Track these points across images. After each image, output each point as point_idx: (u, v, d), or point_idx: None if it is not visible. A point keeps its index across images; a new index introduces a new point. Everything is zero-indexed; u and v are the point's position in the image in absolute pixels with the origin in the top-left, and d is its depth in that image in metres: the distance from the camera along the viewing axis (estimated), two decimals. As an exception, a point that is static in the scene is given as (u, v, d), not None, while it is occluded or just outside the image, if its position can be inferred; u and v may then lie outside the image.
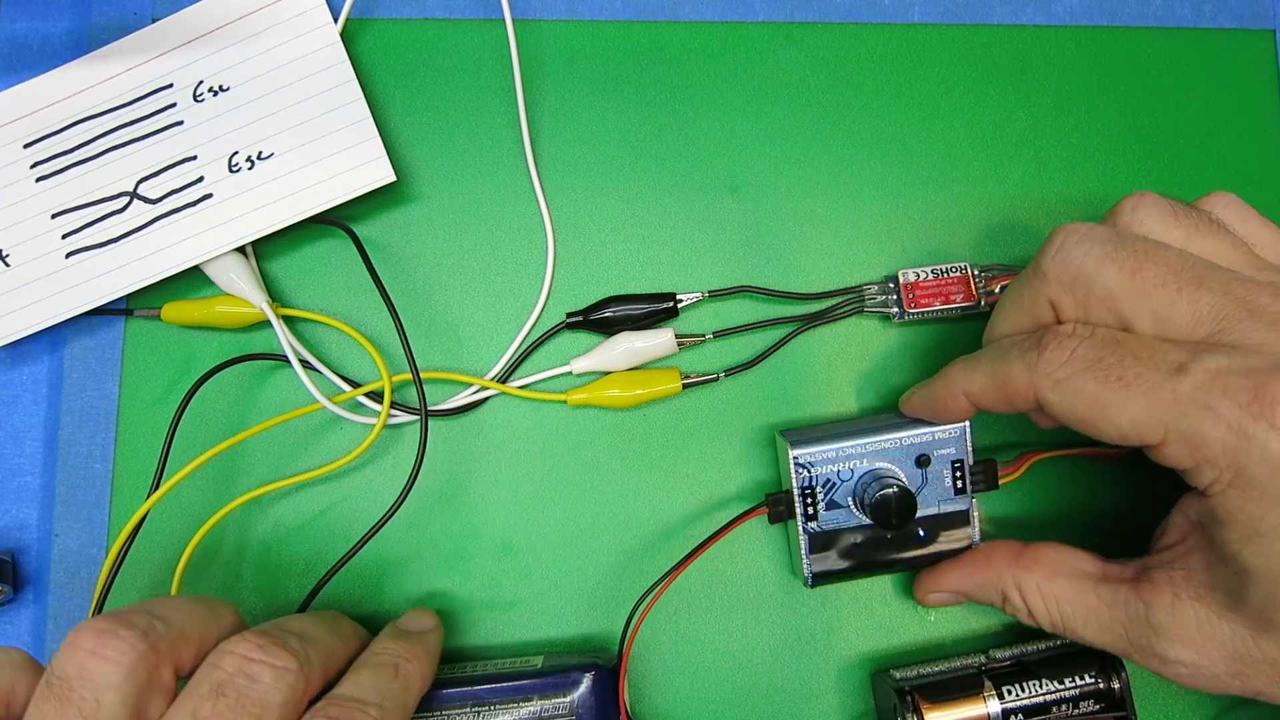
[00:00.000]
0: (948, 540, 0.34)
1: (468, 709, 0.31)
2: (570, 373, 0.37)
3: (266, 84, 0.36)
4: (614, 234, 0.38)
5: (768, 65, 0.39)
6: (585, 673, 0.31)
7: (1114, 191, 0.40)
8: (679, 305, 0.37)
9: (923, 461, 0.34)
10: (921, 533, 0.34)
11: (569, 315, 0.37)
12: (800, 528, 0.34)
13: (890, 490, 0.32)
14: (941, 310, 0.37)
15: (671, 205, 0.38)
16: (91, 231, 0.36)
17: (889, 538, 0.34)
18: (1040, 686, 0.33)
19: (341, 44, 0.37)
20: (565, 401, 0.37)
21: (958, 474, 0.34)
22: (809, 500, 0.34)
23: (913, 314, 0.37)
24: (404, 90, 0.38)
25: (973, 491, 0.34)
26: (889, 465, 0.34)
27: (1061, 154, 0.40)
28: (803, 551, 0.34)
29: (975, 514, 0.34)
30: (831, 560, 0.34)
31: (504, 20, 0.38)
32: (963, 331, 0.38)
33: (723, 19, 0.40)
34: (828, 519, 0.34)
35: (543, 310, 0.38)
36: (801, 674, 0.36)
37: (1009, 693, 0.33)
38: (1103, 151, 0.40)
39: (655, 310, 0.37)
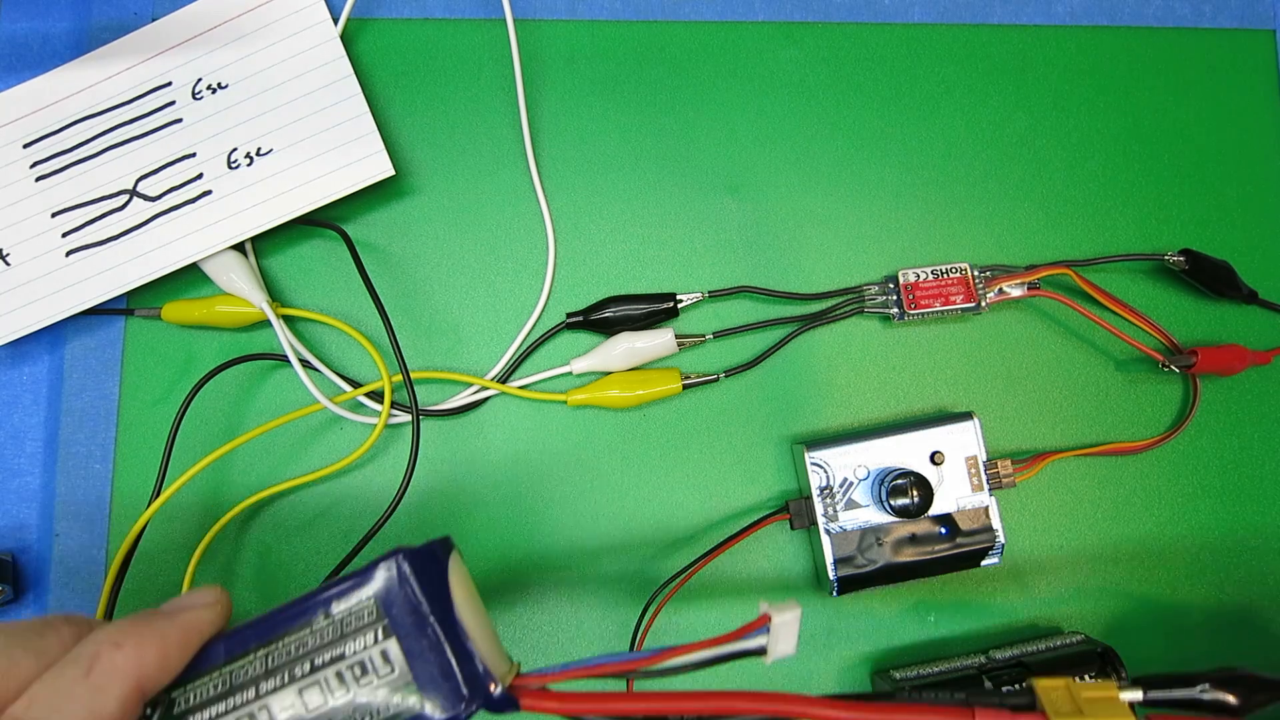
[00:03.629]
0: (970, 539, 0.34)
1: (251, 655, 0.23)
2: (570, 373, 0.37)
3: (265, 81, 0.36)
4: (614, 234, 0.38)
5: (768, 65, 0.39)
6: (382, 562, 0.23)
7: (1114, 191, 0.40)
8: (679, 305, 0.37)
9: (937, 458, 0.34)
10: (943, 530, 0.34)
11: (569, 315, 0.37)
12: (821, 529, 0.34)
13: (906, 475, 0.33)
14: (942, 311, 0.37)
15: (671, 205, 0.38)
16: (91, 230, 0.36)
17: (912, 537, 0.34)
18: (1040, 687, 0.33)
19: (339, 40, 0.37)
20: (566, 402, 0.37)
21: (972, 471, 0.34)
22: (828, 500, 0.34)
23: (913, 315, 0.37)
24: (404, 90, 0.38)
25: (990, 488, 0.34)
26: (904, 461, 0.34)
27: (1061, 154, 0.40)
28: (826, 555, 0.34)
29: (995, 510, 0.34)
30: (855, 565, 0.34)
31: (504, 20, 0.38)
32: (962, 332, 0.38)
33: (723, 19, 0.40)
34: (848, 519, 0.34)
35: (543, 310, 0.38)
36: (801, 674, 0.36)
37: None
38: (1103, 151, 0.40)
39: (655, 310, 0.37)
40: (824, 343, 0.38)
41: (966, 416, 0.35)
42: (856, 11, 0.40)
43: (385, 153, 0.36)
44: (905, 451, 0.34)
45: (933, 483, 0.34)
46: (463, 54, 0.39)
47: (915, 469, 0.34)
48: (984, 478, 0.34)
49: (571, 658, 0.36)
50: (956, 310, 0.37)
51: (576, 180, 0.38)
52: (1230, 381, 0.39)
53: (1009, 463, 0.35)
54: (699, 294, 0.37)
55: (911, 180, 0.39)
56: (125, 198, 0.36)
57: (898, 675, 0.34)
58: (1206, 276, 0.38)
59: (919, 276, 0.37)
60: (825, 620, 0.37)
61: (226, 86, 0.36)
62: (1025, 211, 0.39)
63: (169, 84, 0.36)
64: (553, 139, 0.39)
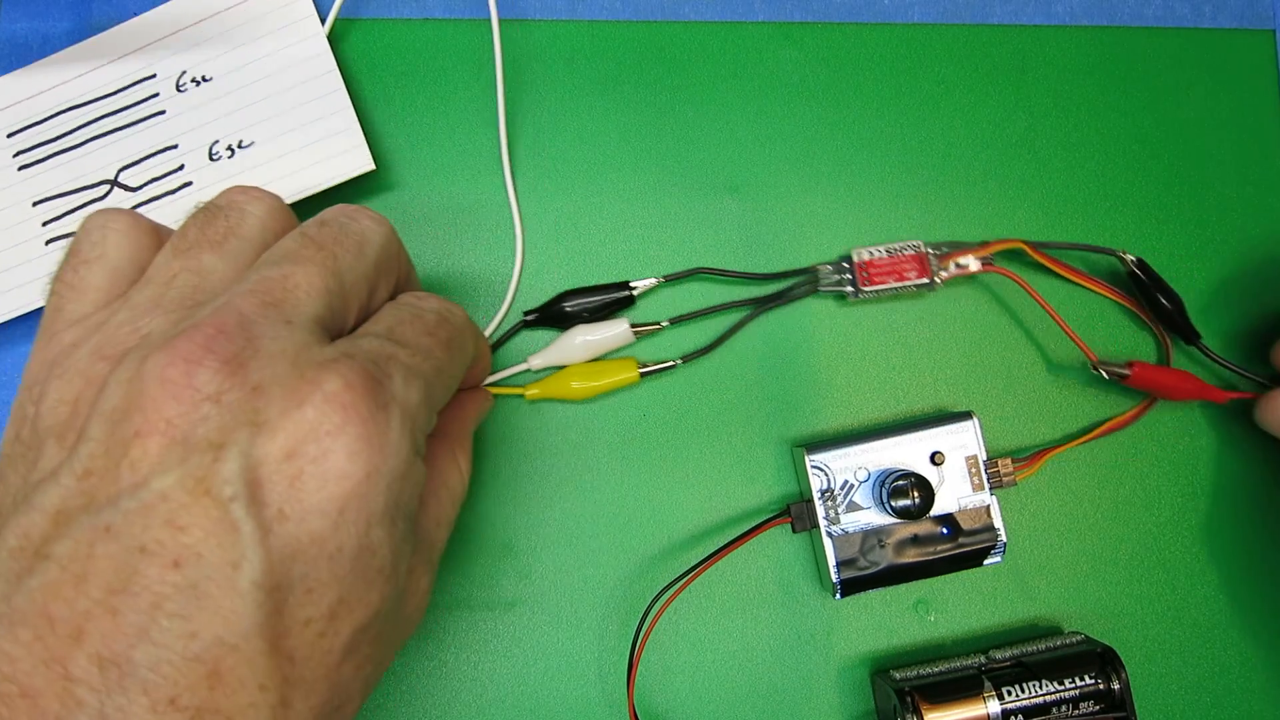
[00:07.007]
0: (972, 538, 0.34)
1: None
2: (529, 369, 0.37)
3: (249, 74, 0.36)
4: (614, 234, 0.38)
5: (768, 65, 0.39)
6: None
7: (1114, 191, 0.40)
8: (634, 293, 0.37)
9: (937, 459, 0.34)
10: (945, 530, 0.34)
11: (525, 314, 0.37)
12: (824, 531, 0.34)
13: (907, 477, 0.33)
14: (897, 287, 0.37)
15: (671, 205, 0.38)
16: (71, 219, 0.36)
17: (913, 537, 0.34)
18: (1040, 687, 0.33)
19: (323, 35, 0.37)
20: (524, 396, 0.36)
21: (973, 470, 0.34)
22: (829, 503, 0.34)
23: (867, 292, 0.37)
24: (392, 90, 0.38)
25: (990, 487, 0.34)
26: (904, 462, 0.34)
27: (1061, 154, 0.40)
28: (829, 557, 0.34)
29: (996, 509, 0.34)
30: (858, 567, 0.34)
31: (485, 20, 0.37)
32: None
33: (723, 19, 0.40)
34: (849, 521, 0.34)
35: (507, 312, 0.37)
36: (801, 674, 0.36)
37: (1009, 693, 0.33)
38: (1103, 151, 0.40)
39: (611, 300, 0.37)
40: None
41: (966, 416, 0.35)
42: (856, 11, 0.40)
43: (366, 147, 0.36)
44: (905, 452, 0.34)
45: (933, 483, 0.34)
46: (457, 54, 0.39)
47: (915, 470, 0.34)
48: (984, 477, 0.34)
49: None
50: (911, 286, 0.37)
51: (577, 180, 0.38)
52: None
53: (1009, 461, 0.35)
54: (653, 280, 0.37)
55: (911, 180, 0.39)
56: (106, 188, 0.36)
57: (898, 675, 0.34)
58: (1152, 292, 0.37)
59: (873, 255, 0.37)
60: (825, 620, 0.37)
61: (210, 79, 0.36)
62: (1025, 211, 0.39)
63: (153, 76, 0.37)
64: (553, 139, 0.38)
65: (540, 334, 0.38)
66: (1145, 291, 0.38)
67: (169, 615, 0.20)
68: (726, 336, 0.37)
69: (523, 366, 0.37)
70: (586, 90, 0.39)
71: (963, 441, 0.35)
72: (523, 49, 0.39)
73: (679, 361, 0.37)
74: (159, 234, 0.27)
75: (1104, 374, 0.36)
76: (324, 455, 0.21)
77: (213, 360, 0.21)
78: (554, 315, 0.37)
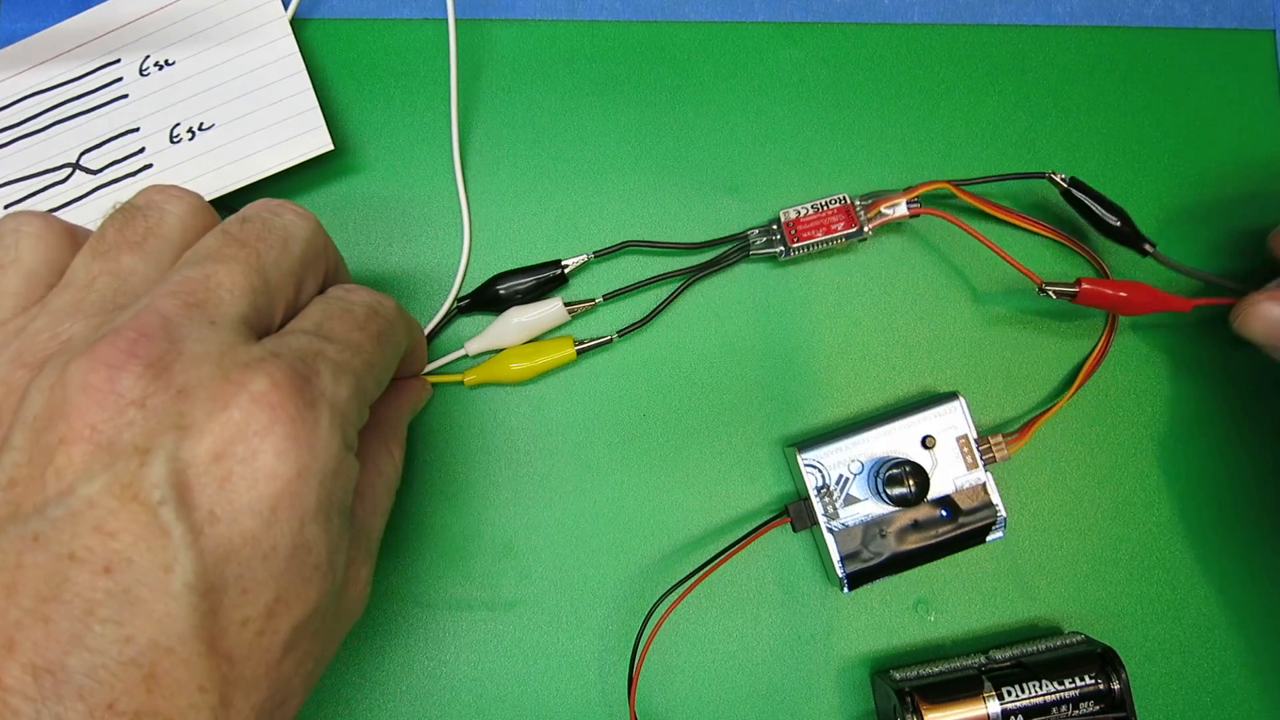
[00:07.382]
0: (971, 517, 0.34)
1: None
2: (467, 355, 0.37)
3: (212, 58, 0.37)
4: (614, 233, 0.38)
5: (768, 65, 0.39)
6: None
7: (1113, 192, 0.39)
8: (566, 271, 0.37)
9: (929, 443, 0.34)
10: (944, 512, 0.34)
11: (458, 299, 0.37)
12: (824, 528, 0.34)
13: (901, 465, 0.33)
14: (826, 240, 0.36)
15: (671, 205, 0.38)
16: (33, 202, 0.37)
17: (913, 523, 0.34)
18: (1040, 687, 0.33)
19: (287, 19, 0.37)
20: (463, 382, 0.36)
21: (965, 449, 0.34)
22: (826, 499, 0.34)
23: (797, 248, 0.36)
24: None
25: (984, 464, 0.34)
26: (896, 451, 0.34)
27: (1061, 154, 0.40)
28: (832, 553, 0.34)
29: (992, 485, 0.34)
30: (862, 559, 0.34)
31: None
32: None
33: (723, 19, 0.40)
34: (848, 515, 0.34)
35: (452, 303, 0.38)
36: (801, 674, 0.36)
37: (1009, 693, 0.33)
38: (1103, 151, 0.40)
39: (544, 280, 0.37)
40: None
41: (952, 396, 0.35)
42: (856, 11, 0.40)
43: (325, 128, 0.37)
44: (896, 440, 0.35)
45: (927, 468, 0.34)
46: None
47: (908, 456, 0.34)
48: (977, 455, 0.34)
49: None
50: (840, 238, 0.36)
51: (577, 180, 0.38)
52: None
53: (999, 436, 0.35)
54: (584, 256, 0.37)
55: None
56: (68, 171, 0.37)
57: (897, 675, 0.34)
58: (1091, 209, 0.35)
59: (799, 213, 0.37)
60: (825, 620, 0.37)
61: (173, 63, 0.37)
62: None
63: (118, 60, 0.37)
64: (554, 138, 0.39)
65: (479, 320, 0.38)
66: (1085, 210, 0.36)
67: (102, 621, 0.19)
68: (661, 308, 0.37)
69: (460, 353, 0.37)
70: (586, 90, 0.39)
71: (951, 423, 0.35)
72: (522, 49, 0.39)
73: (614, 336, 0.37)
74: (75, 235, 0.26)
75: (1051, 294, 0.35)
76: (253, 455, 0.21)
77: (136, 364, 0.21)
78: (487, 299, 0.37)
